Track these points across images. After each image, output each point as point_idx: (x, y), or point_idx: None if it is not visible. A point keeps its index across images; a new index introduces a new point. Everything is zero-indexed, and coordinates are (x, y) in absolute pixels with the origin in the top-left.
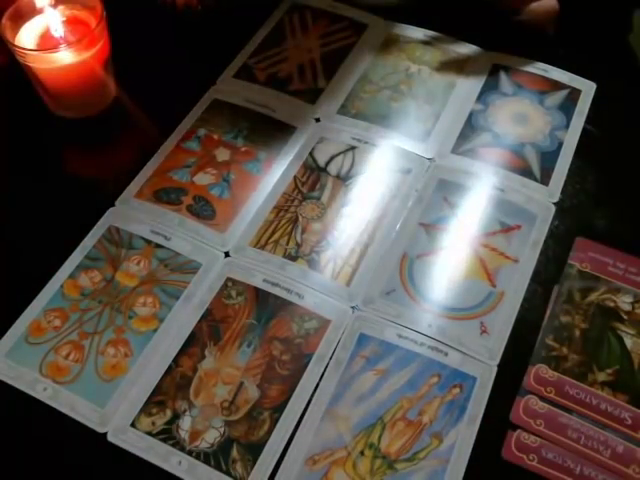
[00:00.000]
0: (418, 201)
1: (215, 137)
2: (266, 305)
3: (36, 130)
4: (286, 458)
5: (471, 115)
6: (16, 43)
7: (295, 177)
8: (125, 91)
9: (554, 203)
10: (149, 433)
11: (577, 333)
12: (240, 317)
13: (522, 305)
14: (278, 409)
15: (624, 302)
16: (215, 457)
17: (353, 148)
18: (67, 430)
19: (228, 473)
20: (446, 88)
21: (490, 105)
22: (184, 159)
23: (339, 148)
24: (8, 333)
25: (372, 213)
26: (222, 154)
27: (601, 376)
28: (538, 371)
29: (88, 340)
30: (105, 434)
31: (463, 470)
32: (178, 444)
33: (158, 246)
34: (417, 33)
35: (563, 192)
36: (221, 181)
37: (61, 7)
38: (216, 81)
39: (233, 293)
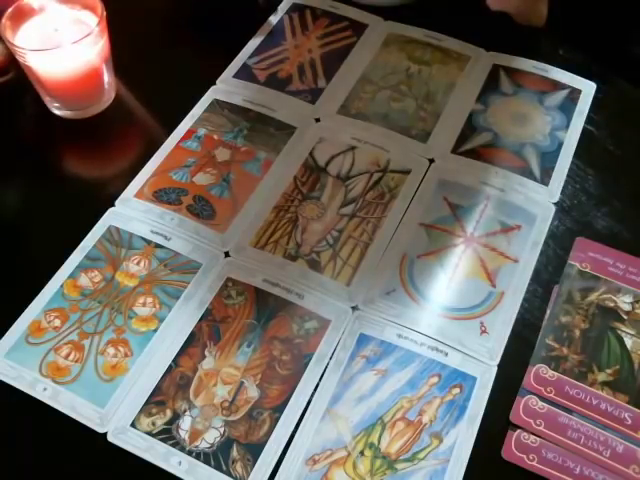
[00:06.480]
0: (418, 201)
1: (215, 137)
2: (266, 305)
3: (36, 130)
4: (286, 458)
5: (471, 115)
6: (16, 43)
7: (295, 177)
8: (125, 91)
9: (554, 203)
10: (149, 433)
11: (577, 333)
12: (240, 317)
13: (522, 305)
14: (278, 409)
15: (624, 302)
16: (215, 457)
17: (353, 148)
18: (67, 430)
19: (228, 473)
20: (446, 88)
21: (490, 105)
22: (184, 159)
23: (339, 148)
24: (8, 333)
25: (372, 213)
26: (222, 154)
27: (601, 376)
28: (538, 371)
29: (88, 340)
30: (105, 434)
31: (463, 470)
32: (178, 444)
33: (158, 246)
34: (417, 33)
35: (563, 192)
36: (221, 181)
37: (61, 7)
38: (216, 81)
39: (233, 293)
